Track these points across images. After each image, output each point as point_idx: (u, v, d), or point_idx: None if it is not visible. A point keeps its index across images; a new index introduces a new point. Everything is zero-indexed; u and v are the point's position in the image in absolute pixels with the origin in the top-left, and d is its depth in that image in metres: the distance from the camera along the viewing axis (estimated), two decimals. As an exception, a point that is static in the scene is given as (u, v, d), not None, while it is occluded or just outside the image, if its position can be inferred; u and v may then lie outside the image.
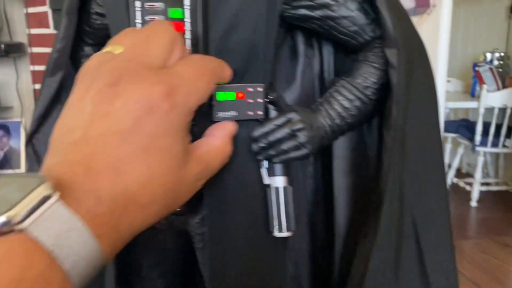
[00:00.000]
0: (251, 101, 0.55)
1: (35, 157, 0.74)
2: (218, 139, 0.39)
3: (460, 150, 3.42)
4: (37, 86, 2.04)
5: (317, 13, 0.57)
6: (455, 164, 3.43)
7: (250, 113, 0.56)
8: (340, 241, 0.65)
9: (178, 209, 0.59)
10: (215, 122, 0.48)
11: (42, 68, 2.04)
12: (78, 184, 0.26)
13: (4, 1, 2.11)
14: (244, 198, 0.57)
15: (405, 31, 0.57)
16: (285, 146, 0.56)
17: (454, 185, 3.54)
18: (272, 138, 0.56)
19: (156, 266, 0.67)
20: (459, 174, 3.68)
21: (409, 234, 0.59)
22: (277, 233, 0.58)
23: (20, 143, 2.19)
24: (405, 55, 0.55)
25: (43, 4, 2.00)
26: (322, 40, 0.65)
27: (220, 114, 0.55)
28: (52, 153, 0.29)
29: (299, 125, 0.56)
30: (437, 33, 2.54)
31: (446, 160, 3.50)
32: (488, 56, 3.51)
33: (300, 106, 0.61)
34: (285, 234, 0.58)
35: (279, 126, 0.56)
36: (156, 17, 0.53)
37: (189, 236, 0.61)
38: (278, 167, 0.58)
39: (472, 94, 3.49)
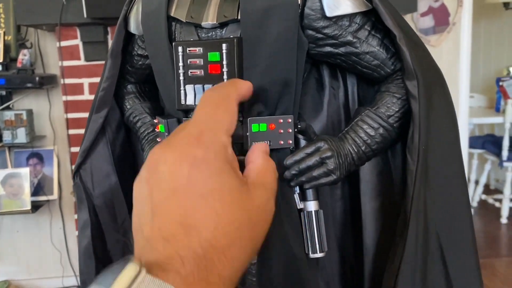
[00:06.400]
0: (282, 131, 0.59)
1: (82, 186, 0.79)
2: (259, 159, 0.38)
3: (487, 166, 3.37)
4: (69, 116, 2.13)
5: (341, 50, 0.61)
6: (483, 180, 3.38)
7: (281, 142, 0.60)
8: (369, 261, 0.67)
9: None
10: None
11: (73, 98, 2.13)
12: (160, 255, 0.29)
13: (38, 35, 2.23)
14: (281, 223, 0.61)
15: (423, 64, 0.60)
16: (315, 173, 0.60)
17: (483, 202, 3.48)
18: (303, 165, 0.60)
19: None
20: (487, 190, 3.61)
21: (435, 253, 0.62)
22: (311, 255, 0.61)
23: (53, 170, 2.28)
24: (424, 86, 0.58)
25: (75, 37, 2.11)
26: (346, 72, 0.69)
27: (251, 144, 0.59)
28: (136, 243, 0.32)
29: (328, 153, 0.60)
30: (457, 50, 2.55)
31: (473, 176, 3.45)
32: (512, 70, 3.48)
33: (328, 135, 0.65)
34: (318, 255, 0.61)
35: (309, 155, 0.60)
36: (197, 60, 0.58)
37: None
38: (309, 192, 0.62)
39: (497, 109, 3.45)
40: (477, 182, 3.44)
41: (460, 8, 2.52)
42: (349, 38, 0.60)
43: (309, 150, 0.60)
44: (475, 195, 3.42)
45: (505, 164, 3.10)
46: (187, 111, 0.64)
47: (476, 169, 3.47)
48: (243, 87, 0.40)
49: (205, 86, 0.59)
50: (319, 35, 0.60)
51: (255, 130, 0.57)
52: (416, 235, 0.59)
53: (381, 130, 0.62)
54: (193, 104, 0.61)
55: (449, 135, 0.63)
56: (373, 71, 0.63)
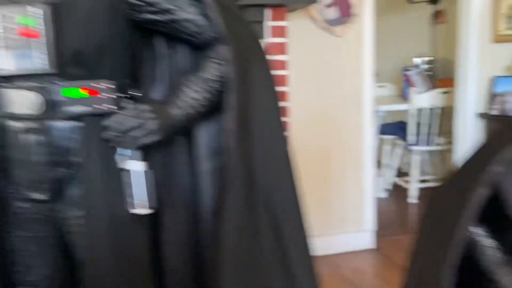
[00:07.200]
0: (104, 96, 0.62)
1: None
2: None
3: (399, 151, 3.59)
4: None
5: (161, 17, 0.65)
6: (395, 164, 3.59)
7: (104, 107, 0.62)
8: (208, 218, 0.72)
9: (43, 197, 0.64)
10: None
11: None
12: None
13: None
14: (108, 182, 0.63)
15: (238, 32, 0.65)
16: (136, 133, 0.63)
17: (396, 185, 3.70)
18: (122, 127, 0.62)
19: (38, 256, 0.71)
20: (400, 173, 3.84)
21: (262, 210, 0.67)
22: (135, 210, 0.64)
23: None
24: (237, 51, 0.63)
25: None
26: (179, 42, 0.73)
27: (72, 109, 0.61)
28: None
29: (150, 115, 0.63)
30: (361, 40, 2.69)
31: (387, 161, 3.66)
32: (417, 61, 3.73)
33: (158, 100, 0.68)
34: (144, 211, 0.65)
35: (131, 117, 0.63)
36: (10, 25, 0.58)
37: (58, 224, 0.66)
38: (135, 153, 0.65)
39: (404, 97, 3.69)
40: (390, 167, 3.66)
41: (363, 0, 2.66)
42: (167, 5, 0.64)
43: (130, 112, 0.63)
44: (389, 178, 3.63)
45: (410, 147, 3.32)
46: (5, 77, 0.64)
47: (389, 154, 3.68)
48: None
49: (18, 51, 0.59)
50: (137, 2, 0.63)
51: (69, 95, 0.59)
52: (239, 190, 0.64)
53: (203, 93, 0.66)
54: (7, 68, 0.61)
55: (268, 99, 0.68)
56: (194, 37, 0.67)
